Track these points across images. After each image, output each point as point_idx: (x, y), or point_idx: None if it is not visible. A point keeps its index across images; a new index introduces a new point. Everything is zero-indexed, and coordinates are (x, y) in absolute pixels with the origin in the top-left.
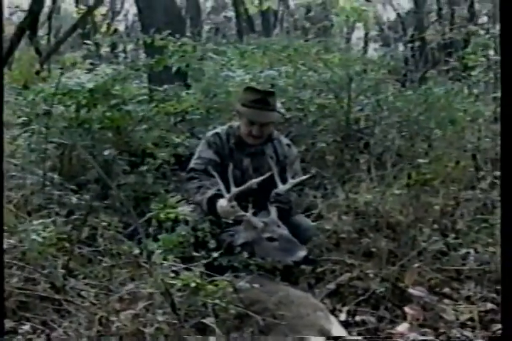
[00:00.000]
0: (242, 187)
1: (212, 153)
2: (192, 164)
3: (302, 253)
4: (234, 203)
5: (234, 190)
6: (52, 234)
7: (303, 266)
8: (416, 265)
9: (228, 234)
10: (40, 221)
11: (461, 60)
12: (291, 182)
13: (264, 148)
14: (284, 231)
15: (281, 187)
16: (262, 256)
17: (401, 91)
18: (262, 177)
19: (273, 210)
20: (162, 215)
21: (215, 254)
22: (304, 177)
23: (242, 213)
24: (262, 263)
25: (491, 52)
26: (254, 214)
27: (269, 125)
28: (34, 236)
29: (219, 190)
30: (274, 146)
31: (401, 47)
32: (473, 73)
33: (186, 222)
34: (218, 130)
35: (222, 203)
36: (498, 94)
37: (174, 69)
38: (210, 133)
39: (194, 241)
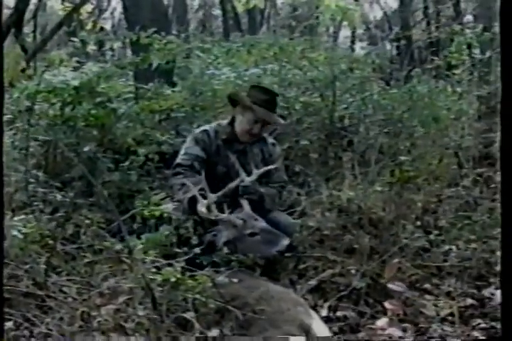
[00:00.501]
0: (219, 193)
1: (199, 150)
2: (178, 159)
3: (285, 242)
4: (212, 206)
5: (211, 196)
6: (33, 230)
7: (287, 254)
8: (395, 260)
9: (211, 234)
10: (21, 217)
11: (445, 59)
12: (255, 172)
13: (251, 147)
14: (262, 223)
15: (247, 179)
16: (246, 252)
17: (385, 89)
18: (237, 181)
19: (245, 203)
20: (146, 212)
21: (197, 250)
22: (268, 167)
23: (219, 214)
24: (243, 259)
25: (476, 50)
26: (231, 213)
27: (269, 126)
28: (15, 233)
29: (201, 189)
30: (260, 145)
31: (388, 46)
32: (456, 72)
33: (170, 220)
34: (206, 127)
35: (200, 206)
36: (482, 93)
37: (154, 65)
38: (197, 130)
39: (177, 239)
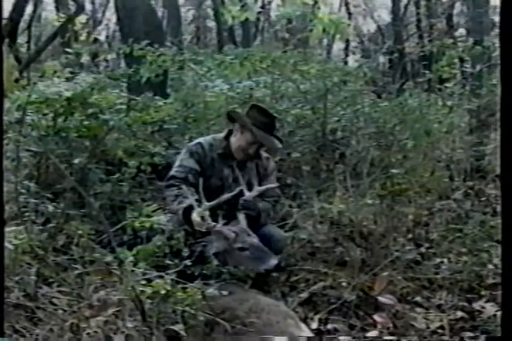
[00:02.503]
0: (213, 202)
1: (194, 162)
2: (172, 171)
3: (274, 261)
4: (205, 214)
5: (206, 204)
6: (23, 241)
7: (274, 274)
8: (385, 273)
9: (201, 245)
10: (12, 228)
11: (436, 72)
12: (257, 189)
13: (246, 161)
14: (254, 239)
15: (248, 194)
16: (234, 265)
17: (377, 102)
18: (235, 192)
19: (242, 218)
20: (137, 224)
21: (188, 262)
22: (271, 185)
23: (213, 224)
24: (234, 271)
25: (467, 64)
26: (226, 224)
27: (264, 147)
28: (5, 244)
29: (196, 200)
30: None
31: (381, 59)
32: (448, 85)
33: (162, 231)
34: (201, 140)
35: (194, 215)
36: (472, 106)
37: (144, 79)
38: (192, 143)
39: (168, 251)
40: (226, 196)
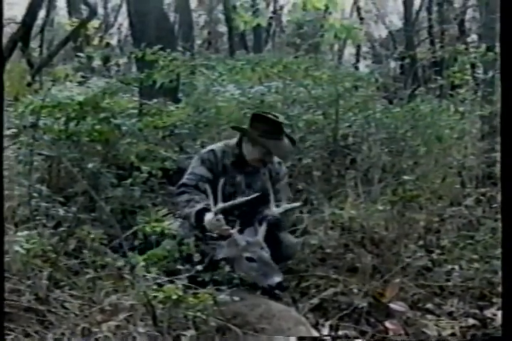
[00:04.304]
0: (229, 202)
1: (205, 170)
2: (184, 179)
3: (277, 278)
4: (220, 217)
5: (221, 204)
6: (35, 245)
7: (276, 291)
8: (397, 280)
9: (210, 247)
10: (25, 233)
11: (448, 78)
12: (285, 206)
13: (259, 167)
14: (265, 254)
15: (275, 210)
16: (239, 273)
17: (388, 108)
18: (252, 196)
19: (261, 230)
20: (148, 228)
21: (199, 267)
22: (294, 204)
23: (227, 227)
24: (245, 277)
25: (479, 70)
26: (241, 230)
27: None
28: (17, 248)
29: (208, 204)
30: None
31: (393, 65)
32: (460, 91)
33: (173, 236)
34: (213, 147)
35: (208, 216)
36: (484, 113)
37: (158, 84)
38: (204, 150)
39: (179, 256)
40: (241, 199)
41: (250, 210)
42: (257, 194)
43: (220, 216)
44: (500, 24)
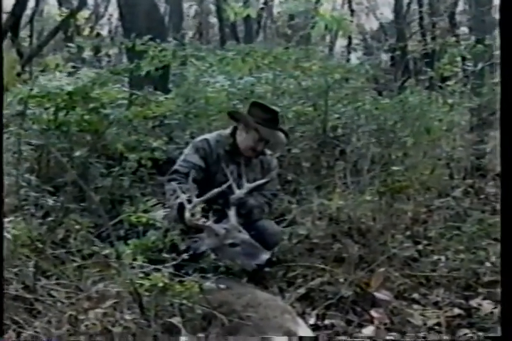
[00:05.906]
0: (202, 197)
1: (198, 158)
2: (176, 166)
3: (265, 256)
4: (196, 211)
5: (195, 200)
6: (22, 231)
7: (267, 269)
8: (382, 269)
9: (192, 241)
10: (10, 218)
11: (438, 70)
12: (247, 186)
13: (251, 158)
14: (245, 236)
15: (238, 192)
16: (225, 262)
17: (377, 99)
18: (220, 189)
19: (231, 215)
20: (133, 218)
21: (185, 256)
22: (260, 181)
23: (203, 220)
24: (231, 265)
25: (469, 62)
26: (218, 221)
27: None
28: (4, 234)
29: (190, 196)
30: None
31: (383, 57)
32: (449, 83)
33: (159, 227)
34: (207, 136)
35: (186, 212)
36: (473, 105)
37: (144, 73)
38: (198, 139)
39: (163, 246)
40: (214, 191)
41: (227, 202)
42: (228, 184)
43: (197, 209)
44: (499, 14)
